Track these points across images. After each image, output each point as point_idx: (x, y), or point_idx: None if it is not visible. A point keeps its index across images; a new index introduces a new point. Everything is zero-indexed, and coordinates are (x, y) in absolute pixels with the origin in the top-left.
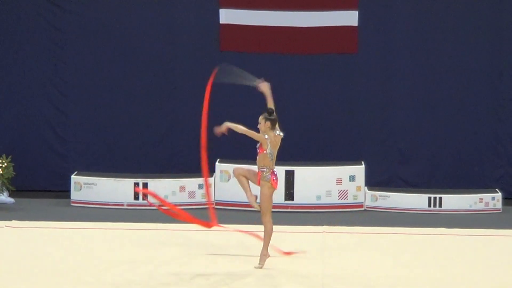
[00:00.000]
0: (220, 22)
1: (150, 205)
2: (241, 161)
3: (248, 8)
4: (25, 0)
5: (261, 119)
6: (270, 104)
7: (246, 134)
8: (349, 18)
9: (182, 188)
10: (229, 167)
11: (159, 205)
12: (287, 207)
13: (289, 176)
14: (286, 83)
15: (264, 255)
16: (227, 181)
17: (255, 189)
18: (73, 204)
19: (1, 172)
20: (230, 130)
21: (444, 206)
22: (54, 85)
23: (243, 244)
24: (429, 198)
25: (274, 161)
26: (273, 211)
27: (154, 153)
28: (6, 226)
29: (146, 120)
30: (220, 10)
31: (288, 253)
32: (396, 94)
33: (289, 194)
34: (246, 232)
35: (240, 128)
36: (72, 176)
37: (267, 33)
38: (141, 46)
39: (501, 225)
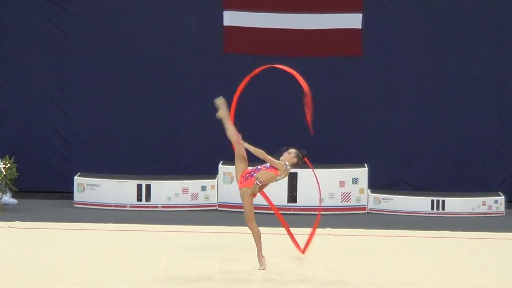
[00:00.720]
0: (224, 24)
1: None
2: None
3: (252, 10)
4: (29, 2)
5: (293, 151)
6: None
7: (264, 159)
8: (353, 20)
9: (185, 190)
10: (233, 169)
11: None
12: (290, 209)
13: (292, 178)
14: (290, 86)
15: (262, 257)
16: (230, 183)
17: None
18: (76, 205)
19: (4, 173)
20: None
21: (447, 209)
22: (58, 86)
23: (244, 246)
24: (432, 201)
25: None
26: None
27: (157, 154)
28: (9, 227)
29: (150, 122)
30: (224, 12)
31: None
32: (399, 97)
33: (292, 196)
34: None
35: (257, 151)
36: (75, 177)
37: (271, 35)
38: (145, 47)
39: (504, 229)
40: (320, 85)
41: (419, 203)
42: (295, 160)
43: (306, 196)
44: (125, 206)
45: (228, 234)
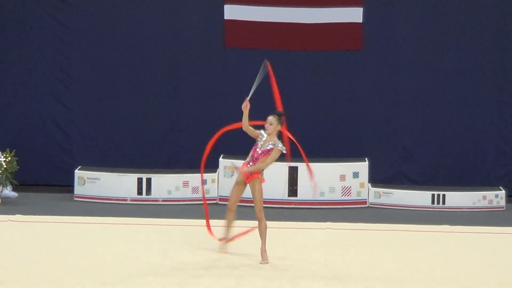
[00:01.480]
0: (225, 18)
1: None
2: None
3: (252, 4)
4: None
5: (272, 120)
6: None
7: (269, 164)
8: (353, 14)
9: (185, 184)
10: (233, 163)
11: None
12: (290, 203)
13: (293, 172)
14: (291, 80)
15: (265, 251)
16: (230, 177)
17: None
18: (76, 199)
19: (5, 166)
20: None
21: (447, 204)
22: (59, 80)
23: (244, 240)
24: (433, 195)
25: None
26: (276, 207)
27: (158, 148)
28: (9, 220)
29: (151, 116)
30: (225, 6)
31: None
32: (400, 91)
33: (293, 190)
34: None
35: (261, 167)
36: (76, 170)
37: (271, 29)
38: (146, 42)
39: (504, 223)
40: (321, 79)
41: (420, 197)
42: (279, 127)
43: (306, 190)
44: (125, 200)
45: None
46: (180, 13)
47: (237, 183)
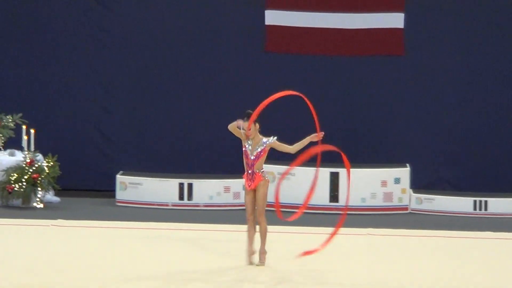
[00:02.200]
0: (266, 23)
1: None
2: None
3: (293, 10)
4: (72, 2)
5: (243, 123)
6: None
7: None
8: (395, 20)
9: (227, 189)
10: (273, 168)
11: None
12: (331, 209)
13: (334, 178)
14: (331, 85)
15: (263, 253)
16: (271, 182)
17: None
18: (118, 204)
19: (47, 171)
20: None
21: (489, 210)
22: (101, 85)
23: (286, 247)
24: (475, 202)
25: None
26: (318, 213)
27: (200, 153)
28: (52, 225)
29: (192, 121)
30: (266, 11)
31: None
32: (441, 96)
33: (334, 196)
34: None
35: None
36: (117, 175)
37: (312, 34)
38: (187, 46)
39: None
40: (361, 84)
41: (462, 204)
42: (257, 125)
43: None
44: (167, 205)
45: (269, 233)
46: (221, 18)
47: (247, 193)
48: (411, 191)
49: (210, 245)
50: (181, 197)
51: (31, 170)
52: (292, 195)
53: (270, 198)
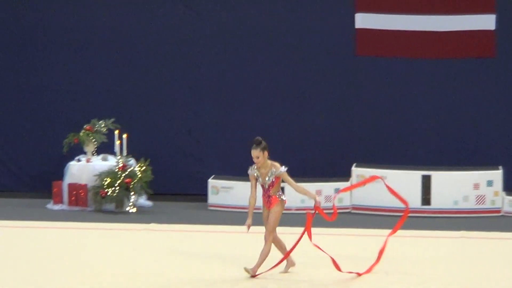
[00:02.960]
0: (356, 27)
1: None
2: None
3: (384, 13)
4: (163, 7)
5: (258, 152)
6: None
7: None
8: (486, 21)
9: (318, 193)
10: (366, 171)
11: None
12: (423, 212)
13: (426, 181)
14: (422, 88)
15: (257, 267)
16: (363, 186)
17: None
18: (210, 208)
19: (139, 175)
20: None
21: None
22: (191, 89)
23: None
24: None
25: None
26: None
27: (291, 156)
28: (145, 229)
29: (283, 124)
30: (356, 14)
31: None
32: None
33: (426, 199)
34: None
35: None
36: (209, 179)
37: (403, 37)
38: (277, 49)
39: None
40: (452, 87)
41: None
42: (266, 153)
43: (440, 198)
44: (259, 209)
45: (363, 237)
46: (312, 22)
47: (264, 211)
48: (504, 193)
49: (301, 249)
50: None
51: (123, 175)
52: (382, 198)
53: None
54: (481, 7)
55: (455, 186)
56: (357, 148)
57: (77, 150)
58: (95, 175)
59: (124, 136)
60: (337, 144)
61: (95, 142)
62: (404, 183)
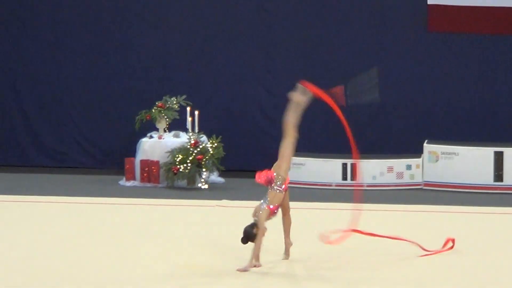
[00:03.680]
0: (428, 3)
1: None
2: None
3: None
4: None
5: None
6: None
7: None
8: None
9: (390, 169)
10: (437, 148)
11: None
12: (496, 188)
13: (498, 157)
14: (496, 65)
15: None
16: (435, 162)
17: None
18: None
19: (211, 152)
20: None
21: None
22: (263, 65)
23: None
24: None
25: None
26: (481, 192)
27: (361, 133)
28: (216, 205)
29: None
30: None
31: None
32: None
33: (498, 175)
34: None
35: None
36: None
37: (476, 13)
38: (349, 25)
39: None
40: None
41: None
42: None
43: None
44: (330, 185)
45: (434, 213)
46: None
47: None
48: None
49: (374, 224)
50: (344, 177)
51: (195, 151)
52: (453, 174)
53: None
54: None
55: None
56: (429, 124)
57: (149, 127)
58: (167, 152)
59: (196, 112)
60: (409, 120)
61: (167, 119)
62: (476, 159)
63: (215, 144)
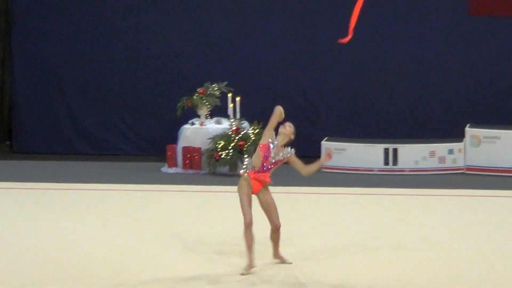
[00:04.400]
0: None
1: None
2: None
3: None
4: None
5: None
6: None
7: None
8: None
9: (432, 154)
10: (479, 132)
11: None
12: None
13: None
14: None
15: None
16: (477, 146)
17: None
18: (324, 170)
19: (253, 138)
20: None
21: None
22: (307, 53)
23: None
24: None
25: None
26: None
27: (404, 118)
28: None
29: (396, 86)
30: None
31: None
32: None
33: None
34: None
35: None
36: (322, 141)
37: None
38: (391, 11)
39: None
40: None
41: None
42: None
43: None
44: (372, 170)
45: (477, 197)
46: None
47: (246, 195)
48: None
49: (417, 209)
50: (386, 163)
51: (237, 138)
52: (496, 158)
53: None
54: None
55: None
56: (471, 108)
57: (190, 114)
58: (208, 138)
59: (237, 99)
60: (451, 105)
61: (209, 106)
62: None
63: (257, 130)
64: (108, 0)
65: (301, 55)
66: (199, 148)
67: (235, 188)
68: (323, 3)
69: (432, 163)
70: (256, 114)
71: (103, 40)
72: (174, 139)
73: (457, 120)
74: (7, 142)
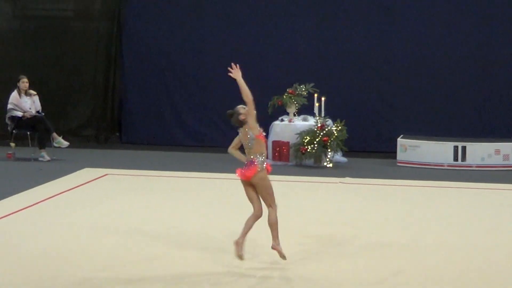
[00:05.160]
0: None
1: None
2: None
3: None
4: None
5: (239, 117)
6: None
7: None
8: None
9: (497, 151)
10: None
11: None
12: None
13: None
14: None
15: (278, 245)
16: None
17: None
18: (399, 164)
19: (336, 134)
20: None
21: None
22: (382, 56)
23: None
24: None
25: None
26: None
27: (473, 118)
28: (340, 182)
29: (462, 88)
30: None
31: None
32: None
33: None
34: None
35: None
36: (398, 139)
37: None
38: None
39: None
40: None
41: None
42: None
43: None
44: (442, 165)
45: None
46: None
47: (245, 186)
48: None
49: (486, 203)
50: (455, 159)
51: (321, 134)
52: None
53: None
54: None
55: None
56: None
57: (280, 111)
58: (296, 134)
59: (323, 99)
60: None
61: (297, 104)
62: None
63: (340, 127)
64: (208, 5)
65: (377, 59)
66: (288, 142)
67: (319, 178)
68: (400, 10)
69: (497, 160)
70: (339, 113)
71: (204, 43)
72: (266, 134)
73: None
74: (117, 134)
